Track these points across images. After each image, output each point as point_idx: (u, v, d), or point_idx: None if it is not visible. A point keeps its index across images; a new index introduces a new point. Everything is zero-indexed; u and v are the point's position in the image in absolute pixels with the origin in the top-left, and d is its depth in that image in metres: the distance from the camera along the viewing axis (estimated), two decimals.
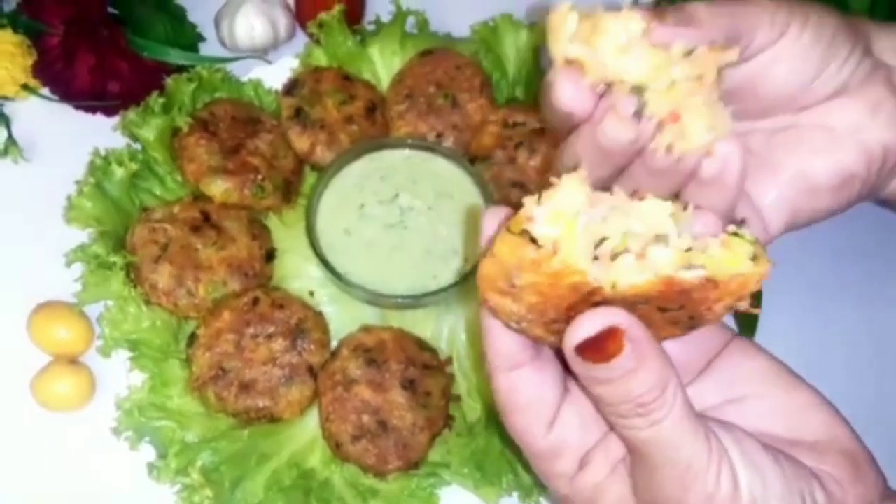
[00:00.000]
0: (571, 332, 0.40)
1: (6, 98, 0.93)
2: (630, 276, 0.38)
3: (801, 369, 0.89)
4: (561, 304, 0.40)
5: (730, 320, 0.90)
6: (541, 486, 0.75)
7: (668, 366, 0.42)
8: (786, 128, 0.54)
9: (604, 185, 0.49)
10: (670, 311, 0.42)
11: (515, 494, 0.75)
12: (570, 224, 0.38)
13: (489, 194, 0.84)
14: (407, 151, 0.87)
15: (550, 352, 0.47)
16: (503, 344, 0.45)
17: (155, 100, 0.86)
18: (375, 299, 0.81)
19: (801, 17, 0.50)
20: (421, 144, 0.87)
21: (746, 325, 0.90)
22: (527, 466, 0.74)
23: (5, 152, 0.90)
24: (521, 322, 0.43)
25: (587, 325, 0.40)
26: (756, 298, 0.89)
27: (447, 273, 0.82)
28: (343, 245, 0.82)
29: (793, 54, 0.51)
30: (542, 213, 0.38)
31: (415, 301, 0.81)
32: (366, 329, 0.80)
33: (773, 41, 0.50)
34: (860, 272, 0.94)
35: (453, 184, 0.86)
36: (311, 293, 0.84)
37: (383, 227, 0.84)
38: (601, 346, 0.40)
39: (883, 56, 0.53)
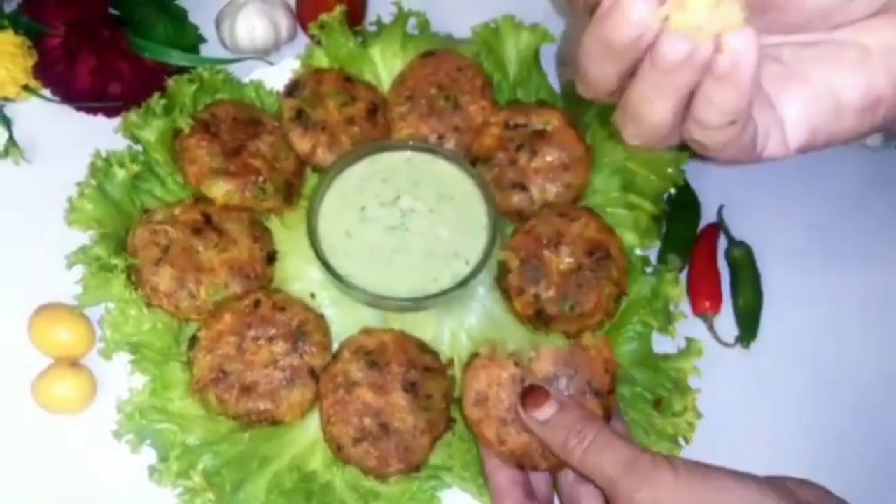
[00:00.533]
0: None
1: (7, 99, 0.92)
2: None
3: (801, 376, 0.90)
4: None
5: (732, 326, 0.90)
6: None
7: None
8: (819, 43, 0.52)
9: (615, 90, 0.50)
10: None
11: None
12: None
13: (490, 196, 0.84)
14: (408, 153, 0.87)
15: None
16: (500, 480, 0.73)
17: (156, 101, 0.86)
18: (376, 301, 0.81)
19: None
20: (422, 146, 0.87)
21: (747, 329, 0.90)
22: None
23: (6, 153, 0.90)
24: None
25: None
26: (755, 306, 0.89)
27: (448, 275, 0.81)
28: (344, 247, 0.82)
29: None
30: None
31: (416, 304, 0.81)
32: (367, 331, 0.80)
33: None
34: (862, 279, 0.94)
35: (455, 186, 0.85)
36: (313, 295, 0.84)
37: (384, 230, 0.83)
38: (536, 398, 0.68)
39: None
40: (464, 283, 0.80)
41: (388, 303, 0.80)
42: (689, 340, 0.83)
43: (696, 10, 0.45)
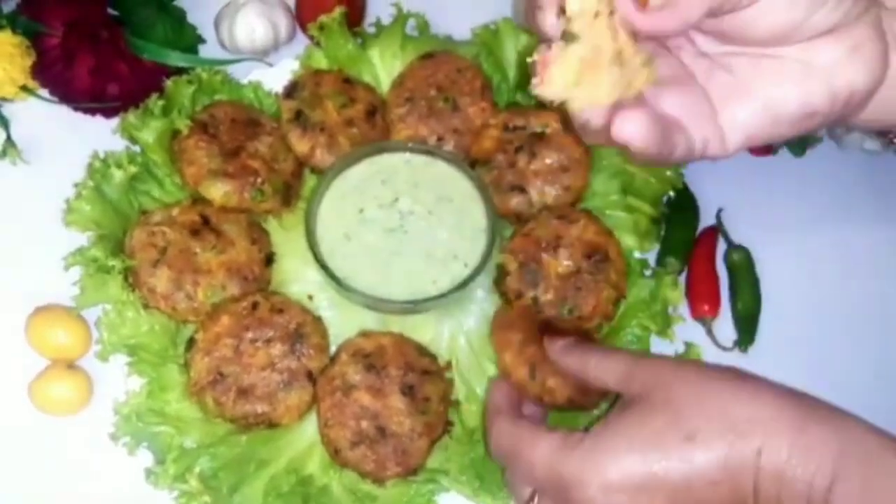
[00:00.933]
0: None
1: (5, 99, 0.92)
2: None
3: (800, 379, 0.89)
4: None
5: (730, 330, 0.90)
6: None
7: None
8: (768, 56, 0.57)
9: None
10: None
11: None
12: None
13: (489, 198, 0.84)
14: (407, 155, 0.87)
15: None
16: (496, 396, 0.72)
17: (154, 102, 0.85)
18: (375, 304, 0.80)
19: None
20: (421, 148, 0.87)
21: (745, 333, 0.89)
22: None
23: (3, 154, 0.90)
24: None
25: None
26: (754, 310, 0.89)
27: (447, 278, 0.81)
28: (343, 249, 0.82)
29: (781, 4, 0.54)
30: None
31: (414, 306, 0.80)
32: (365, 334, 0.79)
33: None
34: (861, 283, 0.94)
35: (454, 188, 0.85)
36: (310, 297, 0.84)
37: (383, 232, 0.83)
38: None
39: None
40: (462, 285, 0.80)
41: (387, 305, 0.80)
42: (688, 344, 0.83)
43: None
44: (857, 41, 0.55)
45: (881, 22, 0.56)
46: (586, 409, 0.75)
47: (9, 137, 0.91)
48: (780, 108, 0.57)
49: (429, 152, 0.87)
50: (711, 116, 0.59)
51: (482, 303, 0.85)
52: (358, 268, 0.81)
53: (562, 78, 0.52)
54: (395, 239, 0.83)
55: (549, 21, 0.55)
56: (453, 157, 0.87)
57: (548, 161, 0.88)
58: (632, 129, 0.54)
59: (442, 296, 0.80)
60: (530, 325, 0.76)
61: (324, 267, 0.80)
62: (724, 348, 0.89)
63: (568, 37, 0.52)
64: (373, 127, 0.90)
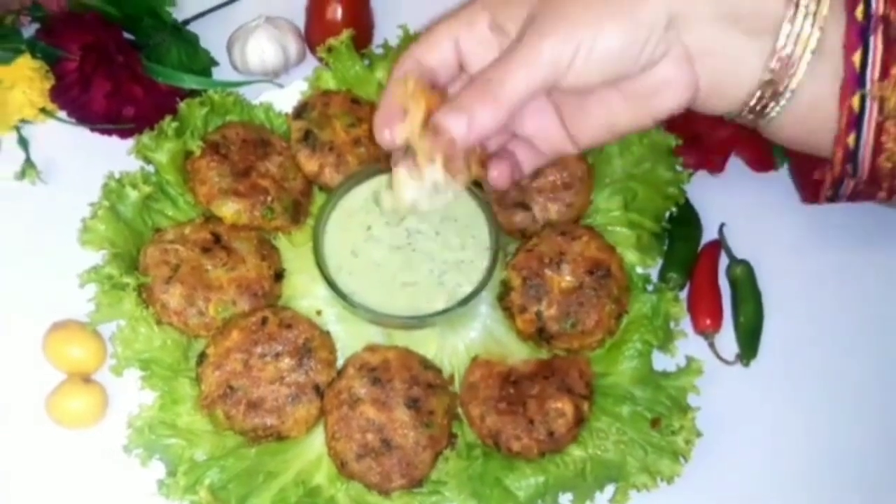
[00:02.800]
0: None
1: (25, 121, 0.95)
2: None
3: (803, 392, 0.90)
4: None
5: (733, 344, 0.91)
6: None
7: None
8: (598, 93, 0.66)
9: None
10: None
11: None
12: None
13: (493, 216, 0.86)
14: None
15: None
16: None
17: (168, 123, 0.88)
18: (380, 319, 0.82)
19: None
20: None
21: (748, 348, 0.90)
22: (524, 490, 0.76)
23: (23, 174, 0.93)
24: None
25: None
26: (756, 324, 0.90)
27: (451, 294, 0.83)
28: (350, 266, 0.84)
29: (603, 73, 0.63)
30: None
31: (419, 321, 0.82)
32: (371, 348, 0.81)
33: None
34: (865, 296, 0.95)
35: (458, 207, 0.87)
36: (319, 312, 0.86)
37: (390, 249, 0.85)
38: None
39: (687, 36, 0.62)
40: (466, 301, 0.81)
41: (393, 320, 0.82)
42: (689, 359, 0.84)
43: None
44: (666, 75, 0.63)
45: (684, 50, 0.62)
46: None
47: (28, 158, 0.94)
48: (617, 127, 0.68)
49: None
50: (566, 140, 0.71)
51: (485, 319, 0.86)
52: (365, 284, 0.83)
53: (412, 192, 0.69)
54: (402, 256, 0.85)
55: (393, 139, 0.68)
56: None
57: (551, 178, 0.89)
58: (499, 179, 0.72)
59: (446, 311, 0.81)
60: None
61: (330, 283, 0.82)
62: (727, 362, 0.90)
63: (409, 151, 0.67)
64: (380, 146, 0.92)
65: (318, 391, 0.79)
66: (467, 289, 0.83)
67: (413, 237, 0.86)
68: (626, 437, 0.79)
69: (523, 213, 0.89)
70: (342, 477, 0.77)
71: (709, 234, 0.96)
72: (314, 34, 1.01)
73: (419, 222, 0.86)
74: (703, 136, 0.97)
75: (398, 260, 0.84)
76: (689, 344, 0.88)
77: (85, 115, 0.94)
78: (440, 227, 0.86)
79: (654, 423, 0.80)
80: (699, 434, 0.80)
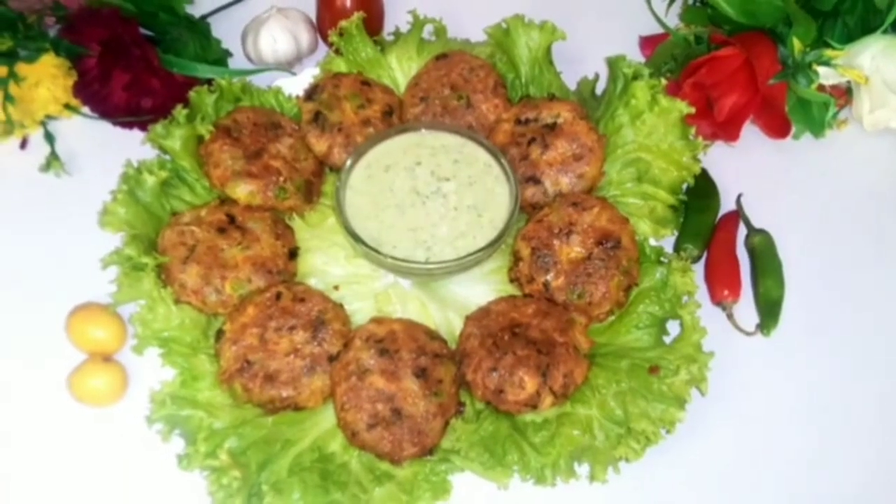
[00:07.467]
0: None
1: (51, 117, 0.99)
2: None
3: (824, 362, 0.87)
4: None
5: (752, 314, 0.89)
6: (552, 468, 0.75)
7: None
8: None
9: None
10: None
11: (531, 480, 0.76)
12: None
13: (513, 173, 0.87)
14: (439, 134, 0.90)
15: None
16: None
17: (179, 111, 0.90)
18: (401, 267, 0.83)
19: None
20: (455, 129, 0.90)
21: (769, 317, 0.88)
22: (534, 447, 0.76)
23: (48, 167, 0.96)
24: None
25: None
26: (777, 294, 0.88)
27: (471, 244, 0.84)
28: (372, 216, 0.85)
29: None
30: None
31: (442, 267, 0.82)
32: (377, 320, 0.82)
33: None
34: (889, 266, 0.93)
35: (480, 166, 0.88)
36: (336, 287, 0.87)
37: (412, 202, 0.86)
38: None
39: None
40: (492, 244, 0.82)
41: (413, 267, 0.82)
42: (683, 322, 0.82)
43: None
44: None
45: None
46: None
47: (53, 151, 0.97)
48: None
49: (465, 135, 0.90)
50: None
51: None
52: (386, 234, 0.84)
53: None
54: (424, 208, 0.86)
55: None
56: (487, 142, 0.90)
57: (561, 150, 0.89)
58: None
59: (482, 250, 0.82)
60: None
61: (351, 233, 0.83)
62: (747, 333, 0.88)
63: None
64: (389, 126, 0.93)
65: (332, 362, 0.80)
66: (491, 234, 0.84)
67: (436, 185, 0.87)
68: (625, 386, 0.78)
69: (535, 188, 0.89)
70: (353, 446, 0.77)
71: (727, 205, 0.95)
72: (325, 23, 1.03)
73: (441, 170, 0.87)
74: (714, 103, 0.95)
75: (420, 211, 0.85)
76: (707, 315, 0.85)
77: (106, 109, 0.97)
78: (464, 181, 0.87)
79: (652, 369, 0.78)
80: (703, 378, 0.78)
